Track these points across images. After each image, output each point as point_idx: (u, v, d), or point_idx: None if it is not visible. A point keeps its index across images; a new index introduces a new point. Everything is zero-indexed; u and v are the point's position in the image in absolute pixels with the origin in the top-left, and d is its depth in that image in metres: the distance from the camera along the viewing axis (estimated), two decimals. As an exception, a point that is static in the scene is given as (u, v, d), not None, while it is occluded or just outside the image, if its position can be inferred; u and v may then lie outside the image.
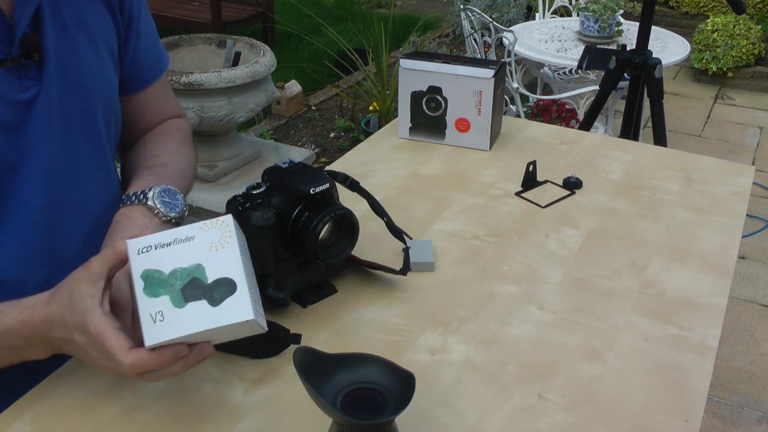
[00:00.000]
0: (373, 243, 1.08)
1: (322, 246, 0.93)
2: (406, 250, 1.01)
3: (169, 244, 0.72)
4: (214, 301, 0.70)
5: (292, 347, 0.87)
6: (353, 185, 1.02)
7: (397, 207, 1.19)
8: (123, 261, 0.74)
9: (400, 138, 1.43)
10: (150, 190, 0.91)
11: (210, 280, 0.71)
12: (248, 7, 5.22)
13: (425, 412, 0.81)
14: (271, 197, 0.92)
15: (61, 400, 0.82)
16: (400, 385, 0.69)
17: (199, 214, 2.83)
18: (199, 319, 0.70)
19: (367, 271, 1.03)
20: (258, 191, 0.91)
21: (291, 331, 0.89)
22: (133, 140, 1.08)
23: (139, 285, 0.71)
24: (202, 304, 0.70)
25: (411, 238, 1.07)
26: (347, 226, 0.95)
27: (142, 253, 0.72)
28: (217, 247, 0.72)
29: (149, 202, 0.90)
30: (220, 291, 0.70)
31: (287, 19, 5.43)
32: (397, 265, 1.00)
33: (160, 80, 1.08)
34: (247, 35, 3.67)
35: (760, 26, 4.92)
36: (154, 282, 0.71)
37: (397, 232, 1.02)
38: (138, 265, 0.72)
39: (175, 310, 0.70)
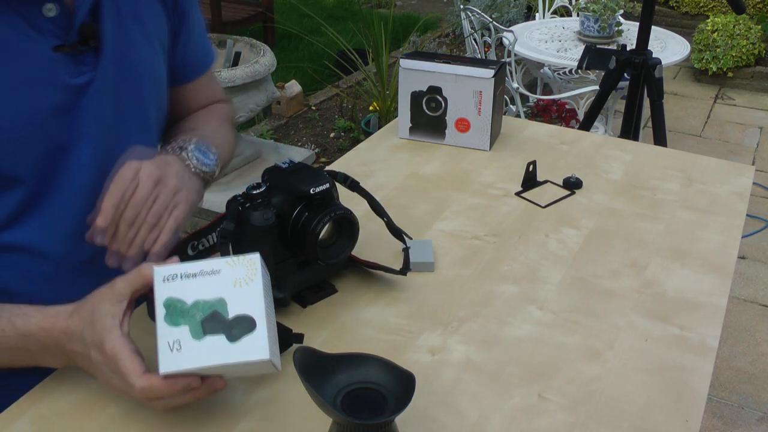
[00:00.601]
0: (373, 243, 1.08)
1: (322, 246, 0.93)
2: (406, 250, 1.01)
3: (194, 275, 0.73)
4: (233, 337, 0.71)
5: (293, 347, 0.87)
6: (353, 185, 1.02)
7: (397, 207, 1.19)
8: (147, 285, 0.75)
9: (400, 138, 1.43)
10: (188, 142, 0.96)
11: (231, 316, 0.72)
12: (248, 7, 5.22)
13: (425, 412, 0.81)
14: (271, 197, 0.92)
15: (61, 400, 0.82)
16: (400, 385, 0.69)
17: (199, 214, 2.83)
18: (215, 353, 0.71)
19: (367, 271, 1.03)
20: (258, 191, 0.91)
21: (293, 331, 0.89)
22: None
23: (160, 312, 0.72)
24: (220, 339, 0.71)
25: (411, 238, 1.07)
26: (347, 226, 0.95)
27: (167, 281, 0.73)
28: (241, 283, 0.73)
29: (183, 153, 0.95)
30: (239, 328, 0.71)
31: (287, 19, 5.43)
32: (397, 265, 1.00)
33: (208, 72, 1.12)
34: (247, 35, 3.67)
35: (760, 26, 4.92)
36: (176, 311, 0.72)
37: (397, 232, 1.02)
38: (162, 293, 0.73)
39: (193, 341, 0.71)
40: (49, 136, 0.87)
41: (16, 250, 0.89)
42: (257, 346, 0.71)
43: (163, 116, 1.04)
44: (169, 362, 0.71)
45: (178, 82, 1.07)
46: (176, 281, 0.73)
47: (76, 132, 0.89)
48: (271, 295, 0.78)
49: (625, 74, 2.37)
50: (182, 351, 0.71)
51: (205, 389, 0.73)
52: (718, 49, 4.74)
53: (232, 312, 0.72)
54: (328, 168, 1.10)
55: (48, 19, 0.84)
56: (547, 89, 4.08)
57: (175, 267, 0.74)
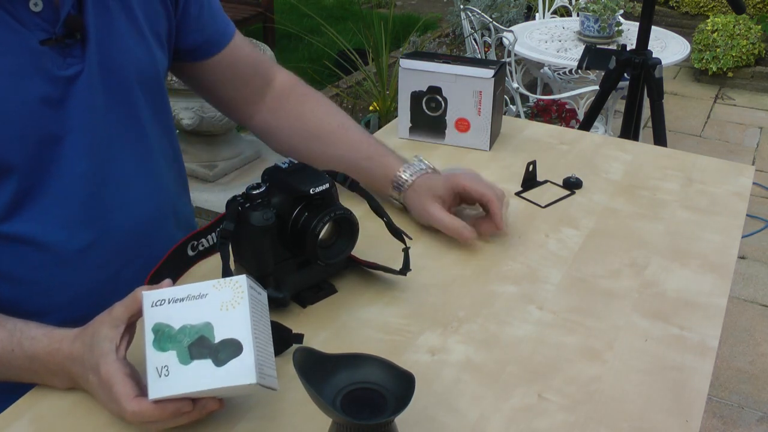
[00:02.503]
0: (373, 243, 1.08)
1: (322, 246, 0.93)
2: (406, 250, 1.01)
3: (182, 300, 0.74)
4: (219, 362, 0.71)
5: (293, 347, 0.87)
6: (353, 185, 1.02)
7: (397, 207, 1.19)
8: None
9: (400, 138, 1.43)
10: (418, 161, 1.14)
11: (217, 340, 0.72)
12: (248, 7, 5.22)
13: (425, 412, 0.81)
14: (270, 197, 0.92)
15: (61, 400, 0.82)
16: (400, 385, 0.69)
17: (199, 214, 2.83)
18: (202, 378, 0.71)
19: (367, 271, 1.03)
20: (258, 191, 0.91)
21: (293, 331, 0.89)
22: (248, 97, 1.18)
23: (149, 337, 0.72)
24: (207, 364, 0.71)
25: (411, 238, 1.07)
26: (347, 226, 0.95)
27: (156, 306, 0.73)
28: (227, 306, 0.73)
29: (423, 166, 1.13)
30: (225, 352, 0.71)
31: (287, 19, 5.43)
32: (397, 265, 1.00)
33: (235, 41, 1.14)
34: (247, 35, 3.67)
35: (760, 26, 4.92)
36: (164, 336, 0.72)
37: (397, 232, 1.02)
38: (150, 318, 0.73)
39: (180, 366, 0.71)
40: (41, 126, 0.89)
41: (16, 240, 0.91)
42: (244, 370, 0.71)
43: (163, 101, 1.06)
44: (157, 388, 0.71)
45: (207, 55, 1.11)
46: (164, 306, 0.73)
47: (67, 122, 0.90)
48: (267, 315, 0.78)
49: (625, 74, 2.37)
50: (170, 376, 0.71)
51: (198, 411, 0.74)
52: (718, 49, 4.74)
53: (219, 336, 0.72)
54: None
55: (34, 13, 0.86)
56: (547, 89, 4.08)
57: (164, 292, 0.74)
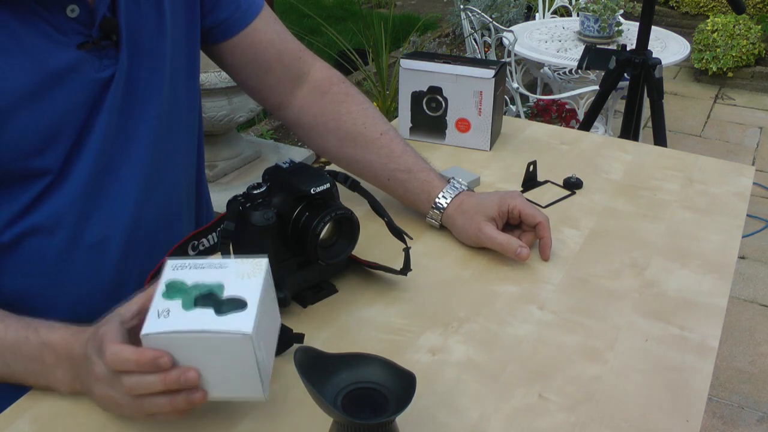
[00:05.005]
0: (373, 243, 1.08)
1: (323, 246, 0.93)
2: (406, 250, 1.01)
3: (202, 267, 0.75)
4: (221, 312, 0.71)
5: (294, 347, 0.88)
6: (353, 185, 1.02)
7: (398, 207, 1.19)
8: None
9: (400, 138, 1.43)
10: (453, 180, 1.12)
11: (225, 297, 0.72)
12: (248, 7, 5.21)
13: (426, 411, 0.81)
14: (271, 197, 0.92)
15: (61, 400, 0.82)
16: (401, 385, 0.70)
17: (199, 214, 2.83)
18: (199, 321, 0.71)
19: (367, 271, 1.03)
20: (258, 191, 0.91)
21: (294, 331, 0.89)
22: (272, 87, 1.14)
23: (160, 289, 0.73)
24: (208, 312, 0.71)
25: (411, 238, 1.07)
26: (348, 226, 0.95)
27: (176, 269, 0.75)
28: (243, 275, 0.74)
29: (464, 187, 1.12)
30: (229, 305, 0.72)
31: (287, 19, 5.43)
32: (398, 265, 1.00)
33: (256, 26, 1.09)
34: (247, 35, 3.66)
35: (760, 26, 4.93)
36: (174, 288, 0.73)
37: (398, 232, 1.02)
38: (168, 276, 0.74)
39: (182, 311, 0.72)
40: (76, 130, 0.90)
41: (33, 230, 0.92)
42: (242, 322, 0.70)
43: (192, 97, 1.07)
44: (151, 325, 0.71)
45: (229, 34, 1.07)
46: (184, 269, 0.75)
47: (93, 122, 0.91)
48: (276, 309, 0.78)
49: (625, 74, 2.37)
50: (169, 318, 0.71)
51: (176, 377, 0.70)
52: (718, 49, 4.74)
53: (228, 295, 0.73)
54: (328, 168, 1.10)
55: (71, 19, 0.86)
56: (547, 89, 4.08)
57: (187, 261, 0.76)
